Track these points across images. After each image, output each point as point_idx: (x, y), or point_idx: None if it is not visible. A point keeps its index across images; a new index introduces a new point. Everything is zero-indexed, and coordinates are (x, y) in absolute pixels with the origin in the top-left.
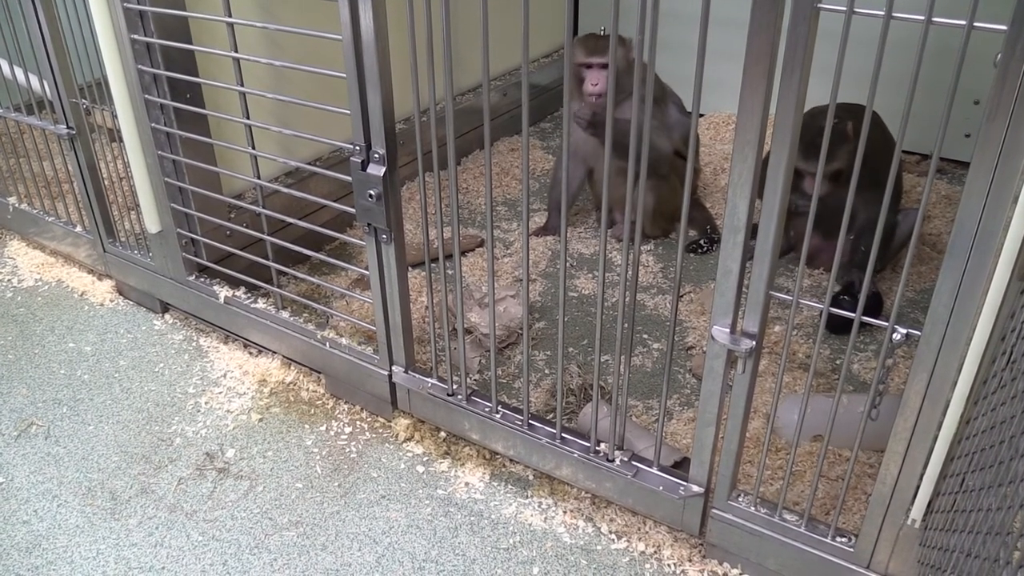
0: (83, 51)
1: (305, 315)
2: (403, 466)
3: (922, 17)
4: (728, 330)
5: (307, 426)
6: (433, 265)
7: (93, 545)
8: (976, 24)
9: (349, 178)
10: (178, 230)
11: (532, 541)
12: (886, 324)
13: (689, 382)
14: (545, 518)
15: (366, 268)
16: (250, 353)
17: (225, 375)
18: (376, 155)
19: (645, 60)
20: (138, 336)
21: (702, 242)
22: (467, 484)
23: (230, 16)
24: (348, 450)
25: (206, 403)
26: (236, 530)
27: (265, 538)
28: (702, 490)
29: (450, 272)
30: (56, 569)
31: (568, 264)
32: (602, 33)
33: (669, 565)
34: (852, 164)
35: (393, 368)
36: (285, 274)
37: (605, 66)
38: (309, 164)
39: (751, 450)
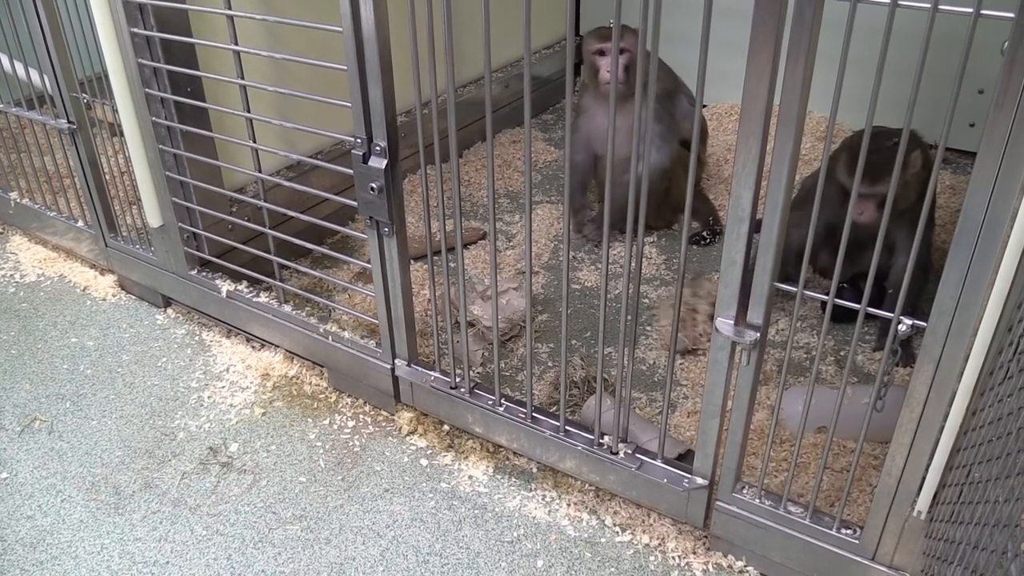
0: (83, 45)
1: (307, 309)
2: (406, 459)
3: (928, 5)
4: (732, 322)
5: (310, 420)
6: (435, 258)
7: (97, 540)
8: (983, 11)
9: (351, 171)
10: (179, 224)
11: (536, 534)
12: (891, 315)
13: (693, 375)
14: (549, 511)
15: (368, 261)
16: (253, 347)
17: (228, 369)
18: (377, 148)
19: (648, 49)
20: (140, 331)
21: (705, 233)
22: (471, 477)
23: (230, 8)
24: (351, 444)
25: (209, 397)
26: (240, 524)
27: (269, 532)
28: (706, 482)
29: (452, 265)
30: (60, 564)
31: (571, 256)
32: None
33: (673, 557)
34: (921, 198)
35: (396, 361)
36: (287, 268)
37: (620, 51)
38: (310, 157)
39: (755, 442)
